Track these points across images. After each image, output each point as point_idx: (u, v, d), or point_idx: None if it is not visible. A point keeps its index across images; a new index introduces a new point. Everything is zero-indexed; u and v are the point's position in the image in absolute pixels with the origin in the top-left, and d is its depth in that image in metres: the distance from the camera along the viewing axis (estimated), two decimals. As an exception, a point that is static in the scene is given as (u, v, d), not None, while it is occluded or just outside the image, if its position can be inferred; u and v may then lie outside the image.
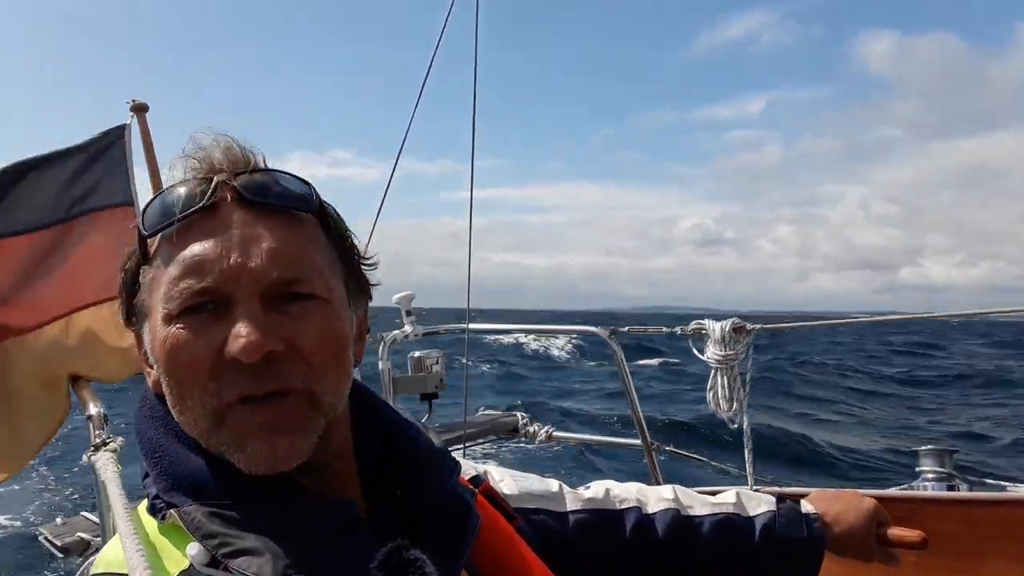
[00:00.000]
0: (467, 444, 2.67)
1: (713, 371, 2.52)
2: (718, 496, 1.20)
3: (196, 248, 0.71)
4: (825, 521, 1.17)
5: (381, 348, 3.00)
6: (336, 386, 0.75)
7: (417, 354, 3.07)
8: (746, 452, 2.47)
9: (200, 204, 0.72)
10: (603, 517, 1.12)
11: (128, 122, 2.64)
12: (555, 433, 3.18)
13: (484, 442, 3.16)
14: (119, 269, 0.79)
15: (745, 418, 2.45)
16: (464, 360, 2.81)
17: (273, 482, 0.71)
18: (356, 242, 0.83)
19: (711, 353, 2.51)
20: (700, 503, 1.18)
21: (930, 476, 2.38)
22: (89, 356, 2.24)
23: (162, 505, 0.72)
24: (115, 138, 2.59)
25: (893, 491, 2.33)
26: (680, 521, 1.13)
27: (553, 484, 1.15)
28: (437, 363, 3.02)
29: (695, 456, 2.99)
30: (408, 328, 3.09)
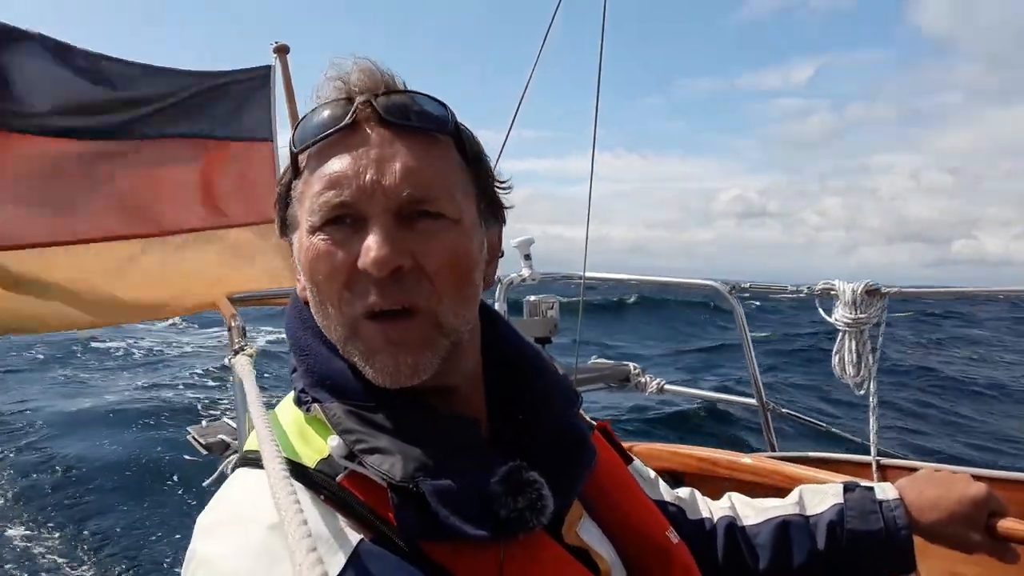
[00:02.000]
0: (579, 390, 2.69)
1: (841, 334, 2.40)
2: (785, 498, 1.15)
3: (335, 164, 0.75)
4: (913, 507, 1.07)
5: (498, 290, 3.06)
6: (459, 308, 0.76)
7: (533, 298, 3.10)
8: (871, 422, 2.34)
9: (341, 124, 0.75)
10: (685, 520, 1.11)
11: (272, 63, 2.81)
12: (667, 386, 3.15)
13: (594, 389, 3.18)
14: (276, 183, 0.84)
15: (872, 385, 2.33)
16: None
17: (406, 395, 0.75)
18: (491, 165, 0.84)
19: (840, 315, 2.38)
20: (757, 511, 1.13)
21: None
22: (232, 272, 2.46)
23: (307, 399, 0.78)
24: (260, 75, 2.76)
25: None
26: (734, 532, 1.11)
27: (651, 472, 1.15)
28: (552, 308, 3.04)
29: (812, 421, 2.88)
30: (525, 272, 3.13)
